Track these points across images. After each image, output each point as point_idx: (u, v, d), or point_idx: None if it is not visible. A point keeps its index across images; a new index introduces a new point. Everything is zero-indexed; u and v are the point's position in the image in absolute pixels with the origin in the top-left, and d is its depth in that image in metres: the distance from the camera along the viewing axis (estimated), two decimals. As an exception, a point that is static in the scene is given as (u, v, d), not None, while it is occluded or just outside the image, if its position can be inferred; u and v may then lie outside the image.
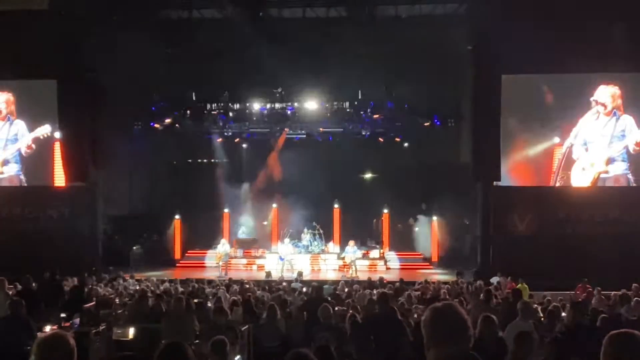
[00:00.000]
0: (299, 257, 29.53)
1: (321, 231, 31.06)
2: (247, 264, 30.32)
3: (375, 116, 30.96)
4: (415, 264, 30.12)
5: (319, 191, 33.23)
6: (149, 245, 33.34)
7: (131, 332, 10.64)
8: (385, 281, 21.57)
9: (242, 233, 31.78)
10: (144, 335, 10.37)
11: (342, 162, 33.55)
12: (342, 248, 29.92)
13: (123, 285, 20.41)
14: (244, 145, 34.93)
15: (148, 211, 33.93)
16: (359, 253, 28.05)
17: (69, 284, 18.52)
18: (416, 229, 32.44)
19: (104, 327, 11.32)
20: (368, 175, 36.23)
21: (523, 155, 26.56)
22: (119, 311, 13.82)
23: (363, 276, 25.04)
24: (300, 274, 24.29)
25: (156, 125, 32.24)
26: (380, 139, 33.46)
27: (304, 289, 18.66)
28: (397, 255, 30.83)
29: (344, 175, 33.98)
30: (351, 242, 27.71)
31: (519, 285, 19.12)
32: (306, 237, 30.89)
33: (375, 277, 22.79)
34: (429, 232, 31.20)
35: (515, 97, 25.97)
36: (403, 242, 31.84)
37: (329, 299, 14.35)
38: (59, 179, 27.81)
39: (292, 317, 12.43)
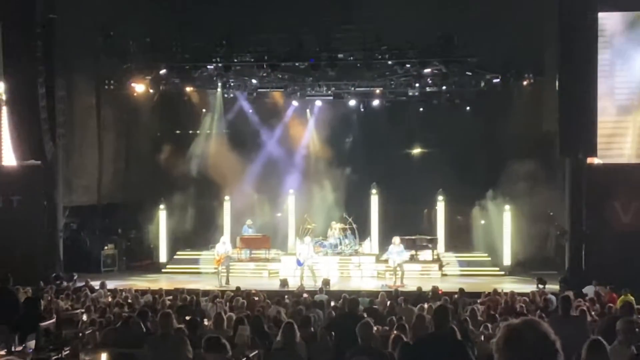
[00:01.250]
0: (325, 260, 29.57)
1: (354, 225, 31.03)
2: (256, 269, 30.45)
3: (427, 70, 30.73)
4: (481, 268, 30.02)
5: (352, 172, 33.23)
6: (126, 244, 33.58)
7: (104, 359, 10.75)
8: (440, 292, 21.49)
9: (249, 228, 31.87)
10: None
11: (381, 133, 33.46)
12: (383, 248, 29.86)
13: (92, 298, 20.60)
14: (250, 111, 34.96)
15: (124, 199, 34.14)
16: (406, 254, 28.01)
17: (21, 295, 18.75)
18: (482, 222, 32.30)
19: (67, 352, 11.44)
20: (417, 151, 36.08)
21: (628, 122, 26.25)
22: (88, 331, 13.95)
23: (411, 285, 25.00)
24: (326, 282, 24.22)
25: (134, 86, 32.33)
26: (434, 102, 33.27)
27: (332, 303, 18.66)
28: (457, 257, 30.76)
29: (385, 151, 33.87)
30: (396, 240, 27.62)
31: (622, 297, 18.96)
32: (334, 233, 30.88)
33: (426, 286, 22.74)
34: (499, 226, 31.03)
35: (616, 42, 25.60)
36: (464, 239, 31.72)
37: (365, 315, 14.37)
38: (8, 157, 28.06)
39: (317, 340, 12.46)
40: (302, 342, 11.69)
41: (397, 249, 27.21)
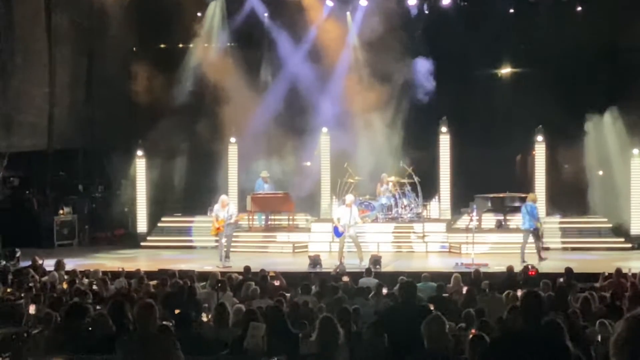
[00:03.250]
0: (374, 229, 29.68)
1: (416, 178, 30.98)
2: (274, 241, 30.63)
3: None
4: (600, 239, 29.95)
5: (412, 101, 33.04)
6: (89, 207, 33.76)
7: (58, 368, 10.85)
8: (531, 273, 21.46)
9: (265, 183, 31.90)
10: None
11: (454, 45, 33.17)
12: (456, 208, 29.89)
13: (42, 282, 20.76)
14: (265, 15, 34.81)
15: (85, 143, 34.24)
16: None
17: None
18: (600, 172, 32.11)
19: (7, 358, 11.53)
20: (506, 71, 35.84)
21: None
22: (35, 331, 14.06)
23: (497, 264, 24.97)
24: (375, 260, 24.25)
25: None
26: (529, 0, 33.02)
27: (384, 290, 18.68)
28: (563, 223, 30.67)
29: (459, 71, 33.63)
30: (533, 196, 27.52)
31: None
32: (387, 190, 30.87)
33: (519, 264, 22.68)
34: (625, 178, 30.82)
35: None
36: (575, 197, 31.54)
37: (431, 307, 14.35)
38: None
39: (362, 342, 12.47)
40: (347, 349, 11.71)
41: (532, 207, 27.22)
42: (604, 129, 31.11)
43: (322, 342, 11.20)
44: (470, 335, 10.91)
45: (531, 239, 26.86)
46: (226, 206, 27.39)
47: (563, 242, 30.06)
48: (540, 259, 26.12)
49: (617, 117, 30.65)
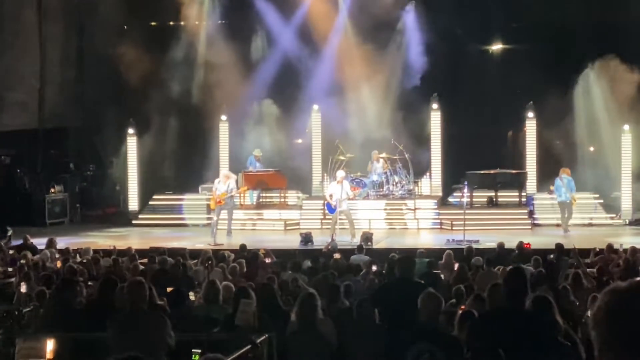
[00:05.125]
0: (366, 205, 29.72)
1: (407, 155, 30.94)
2: (266, 219, 30.66)
3: None
4: (590, 215, 29.98)
5: (403, 78, 32.94)
6: (81, 185, 33.68)
7: (50, 345, 10.85)
8: (527, 246, 21.52)
9: (257, 161, 31.82)
10: (74, 352, 10.54)
11: (445, 21, 33.09)
12: (448, 185, 29.88)
13: (34, 261, 20.75)
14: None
15: (76, 121, 34.12)
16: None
17: None
18: (591, 148, 32.09)
19: (0, 336, 11.55)
20: (497, 47, 35.77)
21: None
22: (27, 309, 14.07)
23: (488, 240, 25.01)
24: (367, 237, 24.24)
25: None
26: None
27: (374, 267, 18.72)
28: (554, 199, 30.58)
29: (450, 47, 33.54)
30: (567, 170, 27.76)
31: None
32: (378, 167, 30.82)
33: (511, 241, 22.71)
34: (616, 154, 30.78)
35: None
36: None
37: (422, 281, 14.37)
38: None
39: (354, 319, 12.50)
40: (329, 320, 11.70)
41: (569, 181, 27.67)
42: (594, 105, 31.09)
43: (300, 319, 11.17)
44: (459, 311, 10.94)
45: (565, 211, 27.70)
46: (227, 180, 27.40)
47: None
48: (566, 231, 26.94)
49: (607, 93, 30.63)
